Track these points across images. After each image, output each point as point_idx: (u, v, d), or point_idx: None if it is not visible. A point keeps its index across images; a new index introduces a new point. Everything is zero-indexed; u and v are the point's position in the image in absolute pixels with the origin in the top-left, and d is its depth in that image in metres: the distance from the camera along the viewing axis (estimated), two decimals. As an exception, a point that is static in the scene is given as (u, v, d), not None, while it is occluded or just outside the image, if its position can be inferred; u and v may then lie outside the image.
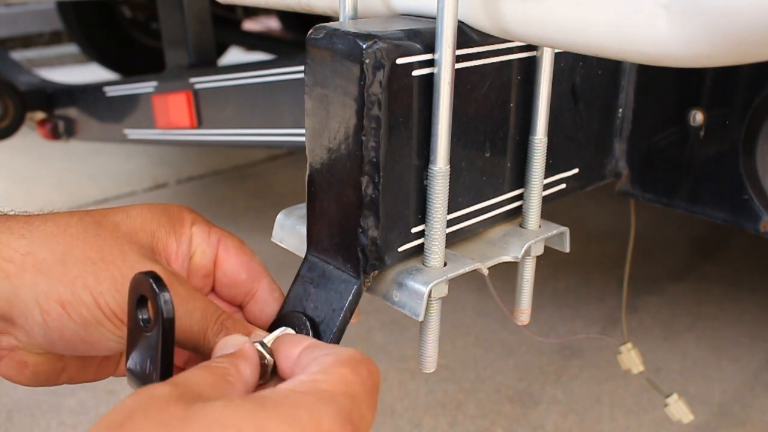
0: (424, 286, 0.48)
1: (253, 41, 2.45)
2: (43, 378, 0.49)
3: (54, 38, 3.81)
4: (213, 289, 0.54)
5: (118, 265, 0.45)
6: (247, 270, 0.53)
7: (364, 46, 0.43)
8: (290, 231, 0.56)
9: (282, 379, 0.43)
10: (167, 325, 0.41)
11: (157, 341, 0.41)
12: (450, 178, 0.49)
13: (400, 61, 0.45)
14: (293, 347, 0.43)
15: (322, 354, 0.41)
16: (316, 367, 0.40)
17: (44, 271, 0.44)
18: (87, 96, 1.56)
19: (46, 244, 0.45)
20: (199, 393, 0.36)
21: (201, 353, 0.48)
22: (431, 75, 0.47)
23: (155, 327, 0.41)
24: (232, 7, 2.46)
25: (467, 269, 0.51)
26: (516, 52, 0.53)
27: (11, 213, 0.48)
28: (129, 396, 0.35)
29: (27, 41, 3.79)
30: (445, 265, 0.51)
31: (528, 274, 0.59)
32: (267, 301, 0.53)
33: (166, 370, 0.42)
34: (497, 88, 0.53)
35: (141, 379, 0.44)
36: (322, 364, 0.40)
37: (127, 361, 0.45)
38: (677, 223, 1.91)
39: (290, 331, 0.49)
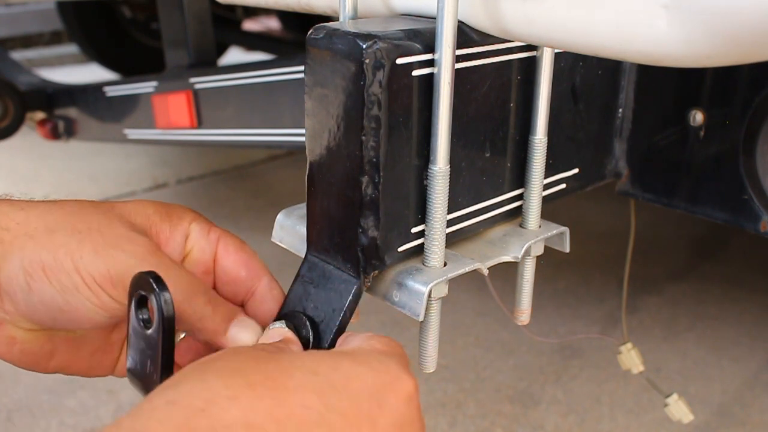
0: (424, 286, 0.48)
1: (253, 41, 2.45)
2: (32, 359, 0.50)
3: (54, 38, 3.81)
4: (214, 287, 0.54)
5: (102, 233, 0.46)
6: (246, 268, 0.53)
7: (364, 46, 0.43)
8: (290, 231, 0.56)
9: None
10: (168, 324, 0.41)
11: (157, 340, 0.41)
12: (450, 178, 0.49)
13: (400, 61, 0.45)
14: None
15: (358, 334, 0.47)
16: (359, 339, 0.45)
17: (34, 237, 0.46)
18: (87, 96, 1.56)
19: (41, 216, 0.47)
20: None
21: (184, 325, 0.48)
22: (431, 75, 0.47)
23: (155, 326, 0.41)
24: (232, 7, 2.46)
25: (467, 269, 0.51)
26: (516, 52, 0.53)
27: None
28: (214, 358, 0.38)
29: (27, 41, 3.79)
30: (445, 265, 0.51)
31: (528, 274, 0.59)
32: (266, 299, 0.53)
33: (166, 369, 0.42)
34: (497, 88, 0.53)
35: (141, 378, 0.44)
36: (366, 336, 0.45)
37: (128, 361, 0.45)
38: (677, 223, 1.91)
39: (282, 325, 0.49)
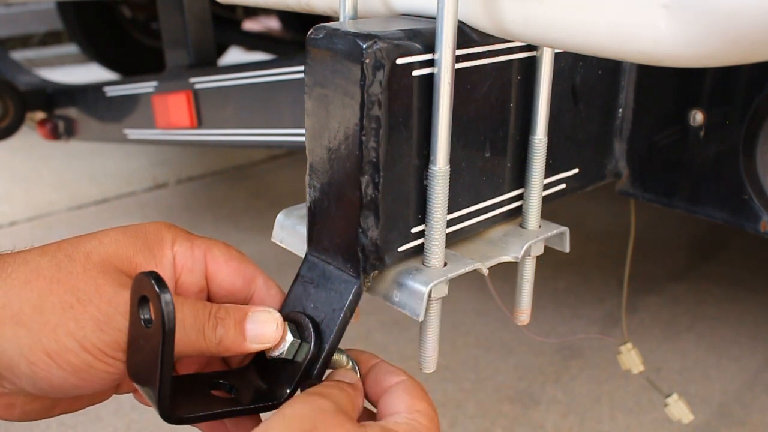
0: (424, 286, 0.48)
1: (253, 41, 2.45)
2: (33, 415, 0.48)
3: (53, 38, 3.82)
4: (209, 300, 0.54)
5: (95, 304, 0.44)
6: (241, 276, 0.52)
7: (364, 46, 0.43)
8: (290, 231, 0.56)
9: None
10: (168, 325, 0.41)
11: (158, 340, 0.41)
12: (450, 178, 0.49)
13: (400, 61, 0.45)
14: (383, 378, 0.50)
15: (401, 392, 0.49)
16: (402, 405, 0.48)
17: (23, 322, 0.43)
18: (87, 96, 1.56)
19: (20, 293, 0.44)
20: (347, 412, 0.45)
21: (208, 354, 0.48)
22: (431, 75, 0.47)
23: (156, 326, 0.41)
24: (232, 7, 2.46)
25: (467, 269, 0.51)
26: (516, 52, 0.53)
27: None
28: (296, 405, 0.44)
29: (26, 41, 3.80)
30: (445, 265, 0.51)
31: (528, 274, 0.59)
32: (265, 300, 0.53)
33: (166, 368, 0.42)
34: (497, 88, 0.53)
35: (142, 377, 0.44)
36: (406, 403, 0.48)
37: (128, 360, 0.45)
38: (677, 223, 1.91)
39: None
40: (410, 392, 0.48)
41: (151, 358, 0.42)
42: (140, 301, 0.43)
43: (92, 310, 0.44)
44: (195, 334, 0.46)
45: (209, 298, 0.53)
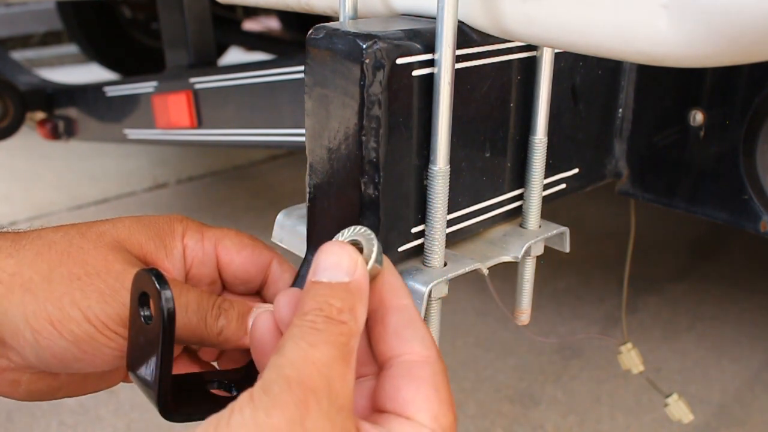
0: (424, 286, 0.48)
1: (253, 41, 2.45)
2: (38, 395, 0.49)
3: (53, 38, 3.82)
4: (225, 289, 0.54)
5: (102, 277, 0.45)
6: (255, 264, 0.52)
7: (364, 46, 0.43)
8: (290, 231, 0.56)
9: None
10: (168, 322, 0.41)
11: (158, 336, 0.41)
12: (450, 178, 0.49)
13: (400, 61, 0.45)
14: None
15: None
16: (424, 411, 0.38)
17: (31, 290, 0.44)
18: (87, 96, 1.56)
19: (32, 263, 0.45)
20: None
21: (207, 344, 0.48)
22: (431, 75, 0.47)
23: (156, 323, 0.41)
24: (232, 7, 2.46)
25: (467, 269, 0.51)
26: (516, 52, 0.53)
27: (3, 230, 0.48)
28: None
29: (26, 41, 3.80)
30: (445, 265, 0.51)
31: (528, 274, 0.59)
32: (277, 283, 0.53)
33: (165, 365, 0.42)
34: (497, 88, 0.53)
35: (141, 374, 0.44)
36: (430, 408, 0.38)
37: (127, 357, 0.45)
38: (677, 223, 1.91)
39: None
40: (437, 387, 0.38)
41: (151, 355, 0.42)
42: (140, 297, 0.43)
43: (99, 282, 0.45)
44: (197, 319, 0.46)
45: (225, 289, 0.53)
